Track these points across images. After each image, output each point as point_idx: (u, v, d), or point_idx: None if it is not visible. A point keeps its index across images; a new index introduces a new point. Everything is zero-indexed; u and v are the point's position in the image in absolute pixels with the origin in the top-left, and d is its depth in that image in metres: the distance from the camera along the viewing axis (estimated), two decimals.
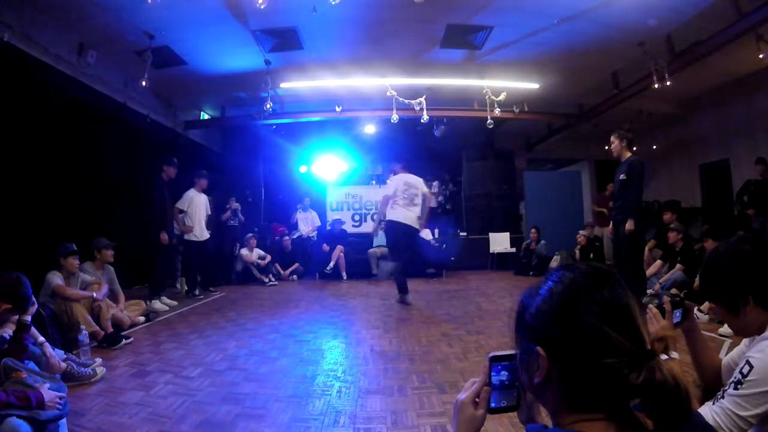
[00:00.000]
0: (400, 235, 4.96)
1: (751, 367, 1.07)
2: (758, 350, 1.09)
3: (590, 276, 0.61)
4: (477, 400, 0.74)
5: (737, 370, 1.11)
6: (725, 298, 1.16)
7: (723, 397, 1.09)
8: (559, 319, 0.60)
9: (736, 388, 1.07)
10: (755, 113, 6.75)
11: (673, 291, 4.39)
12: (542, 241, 7.81)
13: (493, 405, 0.74)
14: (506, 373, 0.74)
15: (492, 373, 0.75)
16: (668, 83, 5.35)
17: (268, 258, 7.18)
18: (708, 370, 1.35)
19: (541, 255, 7.69)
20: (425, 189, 5.12)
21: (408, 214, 4.91)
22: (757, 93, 6.61)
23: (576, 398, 0.59)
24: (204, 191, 5.89)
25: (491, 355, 0.75)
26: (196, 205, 5.75)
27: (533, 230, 8.03)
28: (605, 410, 0.58)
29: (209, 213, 6.08)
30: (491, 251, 8.49)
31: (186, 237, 5.66)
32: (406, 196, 4.96)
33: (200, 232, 5.74)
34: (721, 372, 1.30)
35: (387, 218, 5.02)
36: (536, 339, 0.62)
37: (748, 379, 1.06)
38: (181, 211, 5.60)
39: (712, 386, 1.30)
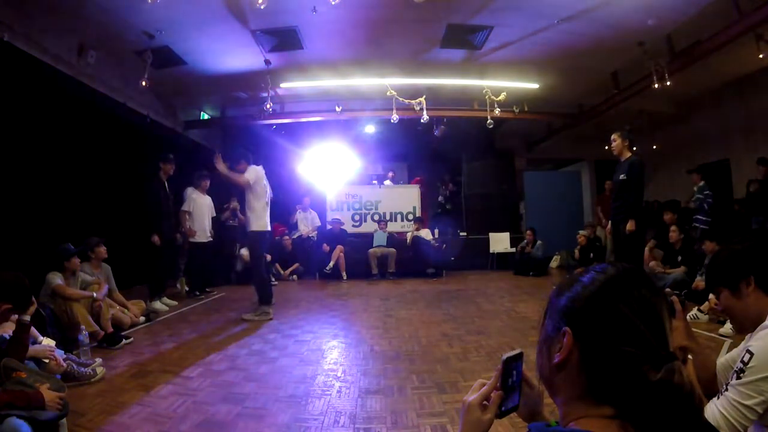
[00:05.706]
0: (266, 245, 4.51)
1: (752, 354, 1.08)
2: (758, 338, 1.11)
3: (632, 275, 0.64)
4: (485, 403, 0.72)
5: (738, 360, 1.12)
6: (729, 278, 1.22)
7: (727, 389, 1.09)
8: (594, 303, 0.62)
9: (738, 378, 1.08)
10: (755, 113, 6.74)
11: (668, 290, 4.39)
12: (538, 242, 7.70)
13: (502, 408, 0.73)
14: (513, 373, 0.74)
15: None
16: (668, 83, 5.34)
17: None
18: (700, 371, 1.35)
19: (536, 258, 7.57)
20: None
21: (267, 220, 4.41)
22: (757, 93, 6.60)
23: (590, 386, 0.60)
24: (207, 192, 5.90)
25: (505, 356, 0.73)
26: (199, 207, 5.75)
27: (528, 231, 7.92)
28: (616, 405, 0.58)
29: (213, 215, 6.08)
30: (491, 251, 8.48)
31: (191, 239, 5.68)
32: (267, 196, 4.41)
33: (202, 234, 5.74)
34: (717, 373, 1.30)
35: (254, 229, 4.30)
36: (566, 319, 0.64)
37: (749, 366, 1.07)
38: (188, 214, 5.60)
39: (704, 388, 1.31)
